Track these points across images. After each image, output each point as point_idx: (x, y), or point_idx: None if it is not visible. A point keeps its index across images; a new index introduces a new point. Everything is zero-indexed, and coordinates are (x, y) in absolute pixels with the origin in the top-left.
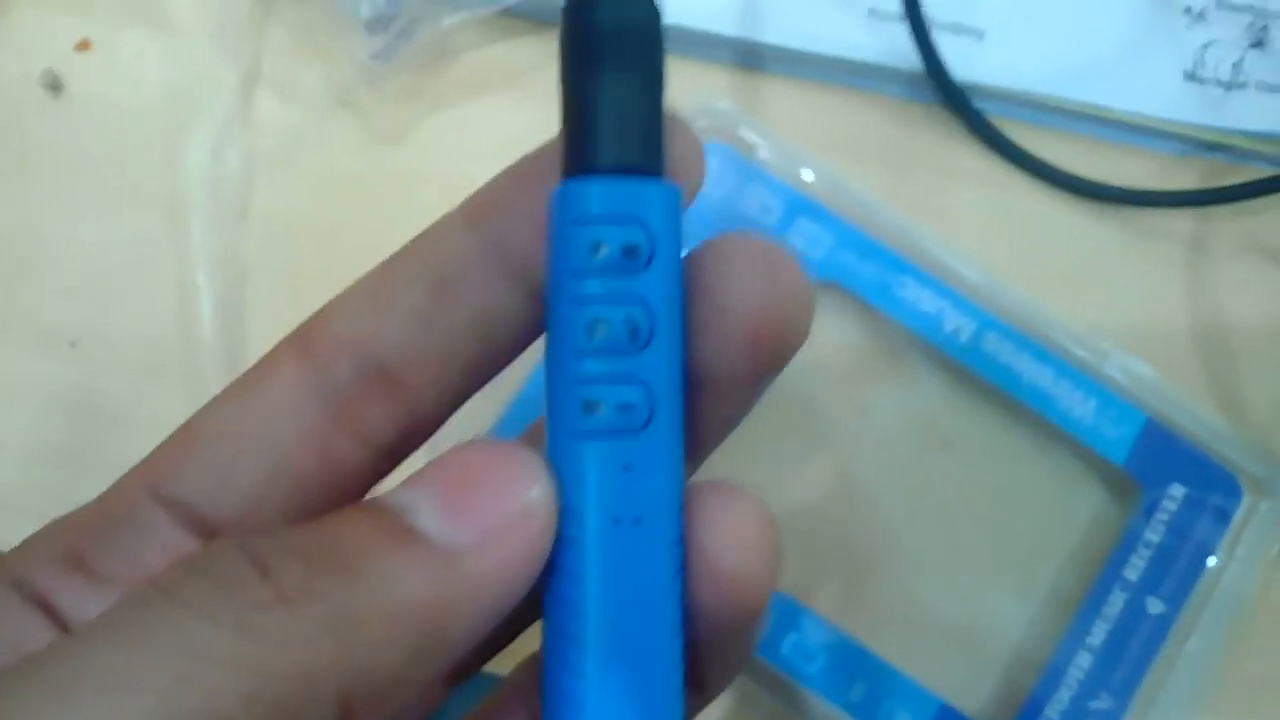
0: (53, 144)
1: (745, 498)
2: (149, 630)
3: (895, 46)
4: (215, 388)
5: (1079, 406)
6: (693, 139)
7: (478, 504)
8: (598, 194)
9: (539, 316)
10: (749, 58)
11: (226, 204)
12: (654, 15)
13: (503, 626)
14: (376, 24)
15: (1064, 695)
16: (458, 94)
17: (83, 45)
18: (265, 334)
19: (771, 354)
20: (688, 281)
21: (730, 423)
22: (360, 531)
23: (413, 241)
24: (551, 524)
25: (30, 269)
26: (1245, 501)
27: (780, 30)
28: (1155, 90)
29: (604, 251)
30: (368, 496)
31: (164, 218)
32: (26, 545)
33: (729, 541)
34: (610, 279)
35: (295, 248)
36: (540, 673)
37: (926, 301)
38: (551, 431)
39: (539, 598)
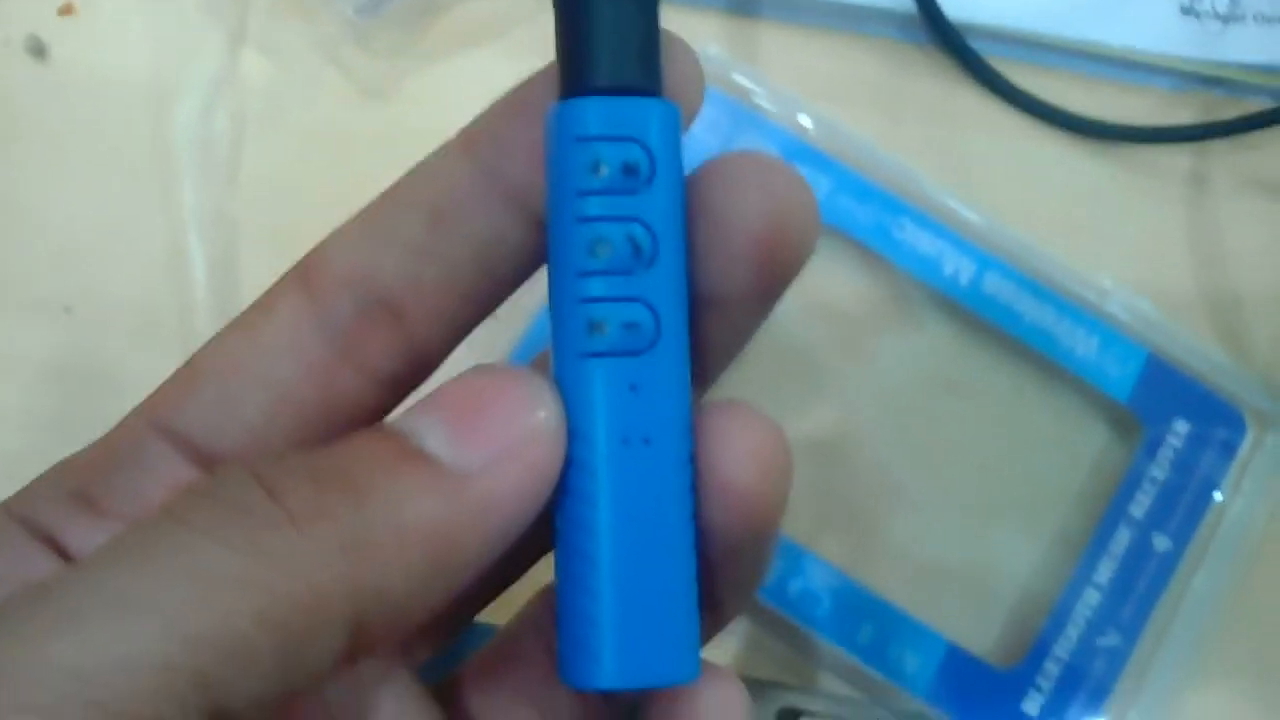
0: (39, 110)
1: (756, 415)
2: (158, 553)
3: None
4: None
5: (1081, 345)
6: (691, 58)
7: (485, 426)
8: (596, 112)
9: (539, 245)
10: (741, 4)
11: (216, 165)
12: None
13: (515, 554)
14: None
15: (1072, 633)
16: (445, 48)
17: (66, 9)
18: (259, 292)
19: (777, 268)
20: (691, 201)
21: (738, 343)
22: (369, 454)
23: (409, 173)
24: (560, 445)
25: (21, 236)
26: (1250, 436)
27: None
28: (1151, 25)
29: (604, 171)
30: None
31: (154, 180)
32: (32, 486)
33: (740, 459)
34: (611, 198)
35: (286, 206)
36: (554, 600)
37: (925, 244)
38: (557, 353)
39: (549, 527)
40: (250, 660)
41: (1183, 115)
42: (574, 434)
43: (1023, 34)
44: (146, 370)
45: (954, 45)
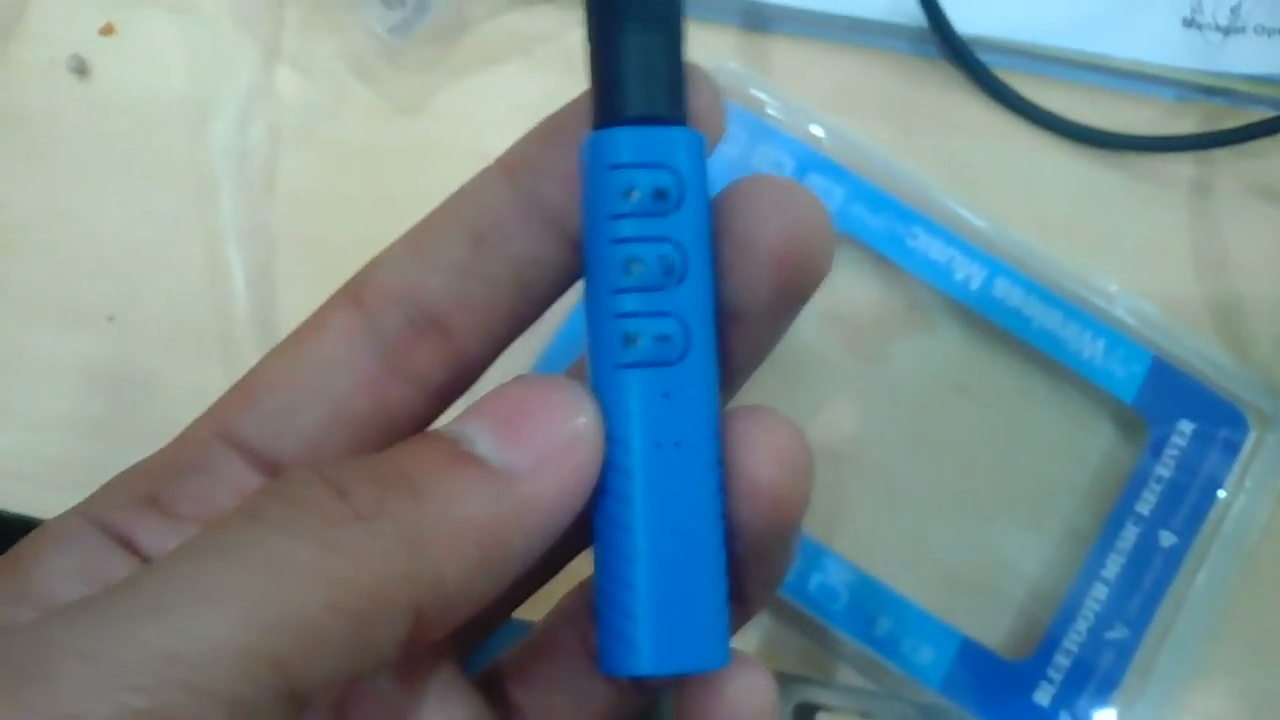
0: (82, 127)
1: (779, 419)
2: (234, 548)
3: (899, 3)
4: (250, 356)
5: (1088, 348)
6: (713, 88)
7: (530, 432)
8: (628, 141)
9: (574, 263)
10: (755, 19)
11: (253, 178)
12: None
13: (558, 549)
14: None
15: (1081, 627)
16: (474, 64)
17: (106, 29)
18: (296, 302)
19: (796, 284)
20: (715, 221)
21: (760, 353)
22: (425, 457)
23: (453, 196)
24: (599, 448)
25: (66, 248)
26: (1252, 435)
27: None
28: (1154, 37)
29: (636, 195)
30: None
31: (193, 193)
32: (103, 491)
33: (765, 459)
34: (643, 220)
35: (321, 218)
36: (591, 594)
37: (937, 250)
38: (594, 364)
39: (587, 525)
40: (322, 645)
41: (1186, 124)
42: (611, 439)
43: (1029, 47)
44: (187, 377)
45: (963, 58)
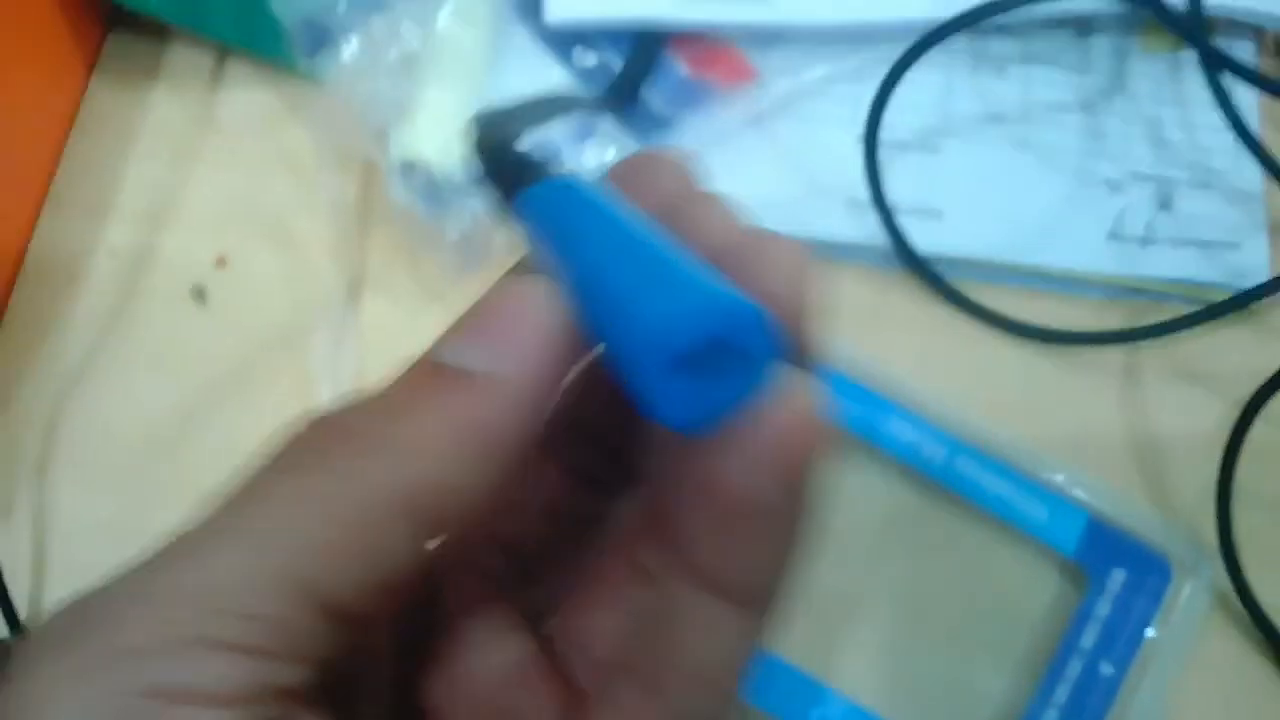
0: (201, 345)
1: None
2: (253, 493)
3: (866, 228)
4: None
5: (1034, 510)
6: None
7: (500, 330)
8: None
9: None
10: None
11: (345, 387)
12: None
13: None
14: (461, 242)
15: None
16: None
17: (221, 262)
18: None
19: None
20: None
21: None
22: (411, 380)
23: None
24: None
25: (188, 447)
26: (1176, 581)
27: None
28: (1084, 249)
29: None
30: None
31: (295, 400)
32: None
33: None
34: None
35: None
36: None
37: (907, 433)
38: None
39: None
40: (339, 557)
41: (1114, 320)
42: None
43: (979, 260)
44: None
45: (923, 272)
